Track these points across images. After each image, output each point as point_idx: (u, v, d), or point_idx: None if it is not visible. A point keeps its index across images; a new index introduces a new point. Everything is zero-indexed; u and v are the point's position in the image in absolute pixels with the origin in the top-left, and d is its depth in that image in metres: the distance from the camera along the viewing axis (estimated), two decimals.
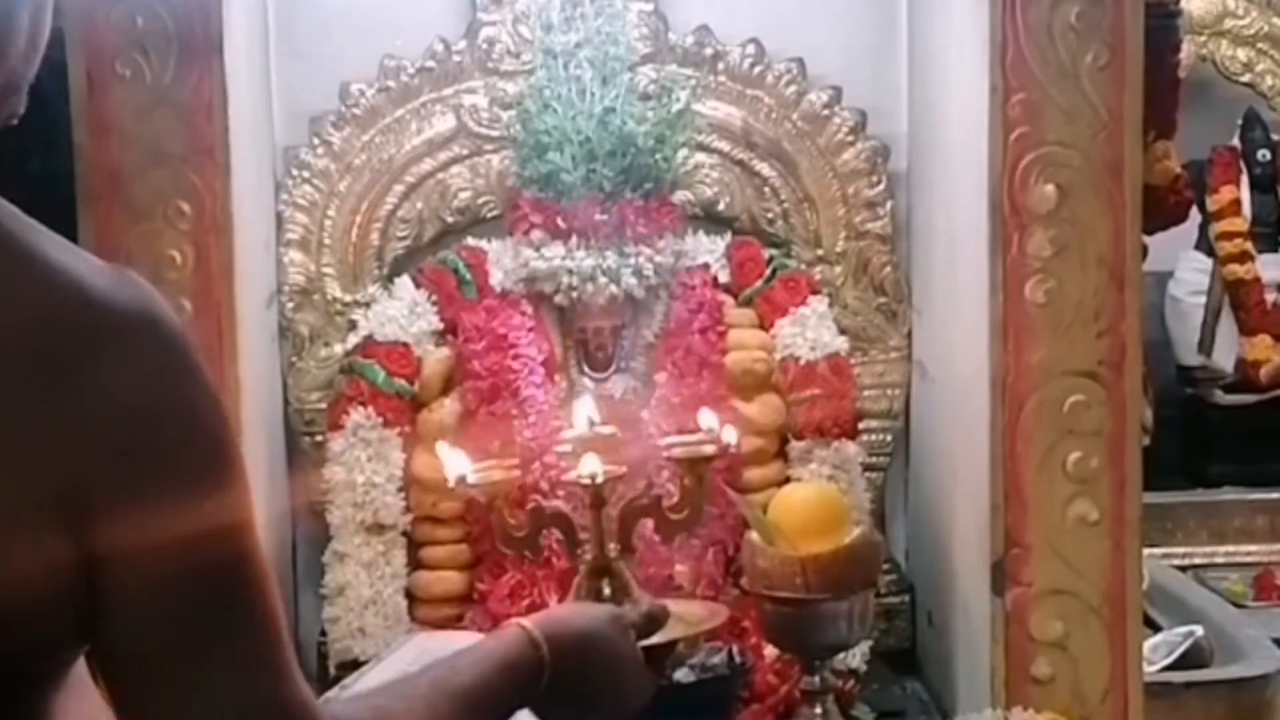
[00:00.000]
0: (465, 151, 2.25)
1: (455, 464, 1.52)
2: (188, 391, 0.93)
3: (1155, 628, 2.51)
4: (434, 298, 2.18)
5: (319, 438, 2.17)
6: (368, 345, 2.15)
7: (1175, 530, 3.60)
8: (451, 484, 1.46)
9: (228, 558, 0.94)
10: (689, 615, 1.37)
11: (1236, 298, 3.89)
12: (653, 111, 2.17)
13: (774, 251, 2.25)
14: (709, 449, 1.40)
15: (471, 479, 1.47)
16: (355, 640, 2.07)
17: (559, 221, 2.13)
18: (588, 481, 1.43)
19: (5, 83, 0.97)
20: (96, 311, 0.90)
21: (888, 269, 2.28)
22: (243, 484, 0.95)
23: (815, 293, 2.21)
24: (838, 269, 2.27)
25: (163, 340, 0.92)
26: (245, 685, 0.94)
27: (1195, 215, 3.62)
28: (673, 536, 1.30)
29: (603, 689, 1.24)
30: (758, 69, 2.26)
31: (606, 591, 1.32)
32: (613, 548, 1.60)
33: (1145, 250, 1.98)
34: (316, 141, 2.22)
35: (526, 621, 1.19)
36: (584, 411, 1.58)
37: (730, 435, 1.38)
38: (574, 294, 2.14)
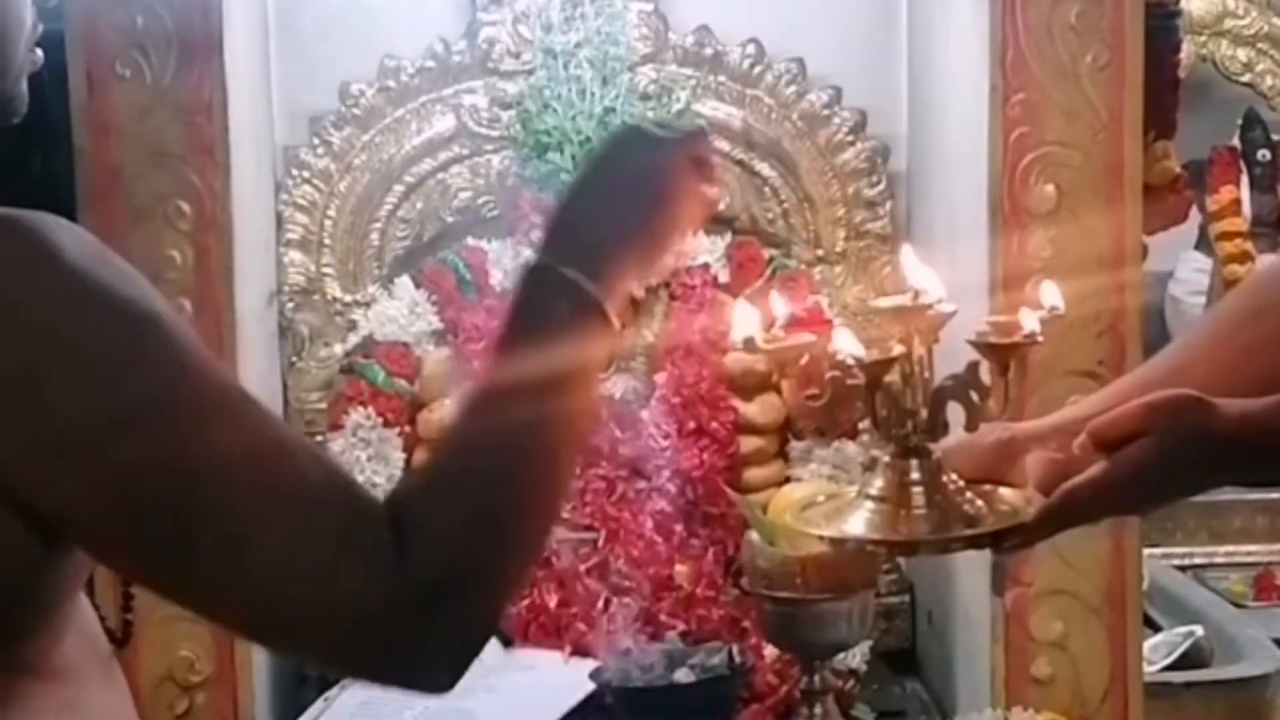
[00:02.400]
0: (465, 151, 2.25)
1: (745, 322, 1.32)
2: (46, 285, 0.89)
3: (1155, 628, 2.51)
4: (434, 298, 2.18)
5: (319, 438, 2.17)
6: (368, 345, 2.15)
7: (1175, 530, 3.59)
8: (739, 345, 1.28)
9: (168, 444, 0.90)
10: (1009, 500, 1.21)
11: None
12: (653, 111, 2.17)
13: (774, 251, 2.25)
14: (1019, 335, 1.26)
15: (760, 342, 1.28)
16: None
17: None
18: (851, 361, 1.25)
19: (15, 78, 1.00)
20: None
21: (888, 269, 2.27)
22: (165, 364, 0.91)
23: (815, 293, 2.21)
24: (838, 269, 2.27)
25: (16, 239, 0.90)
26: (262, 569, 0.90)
27: (1195, 215, 3.61)
28: (977, 424, 1.20)
29: (608, 219, 1.05)
30: (758, 69, 2.26)
31: (915, 475, 1.19)
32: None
33: (1145, 250, 1.98)
34: (316, 141, 2.22)
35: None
36: (916, 268, 1.37)
37: (1032, 322, 1.25)
38: None
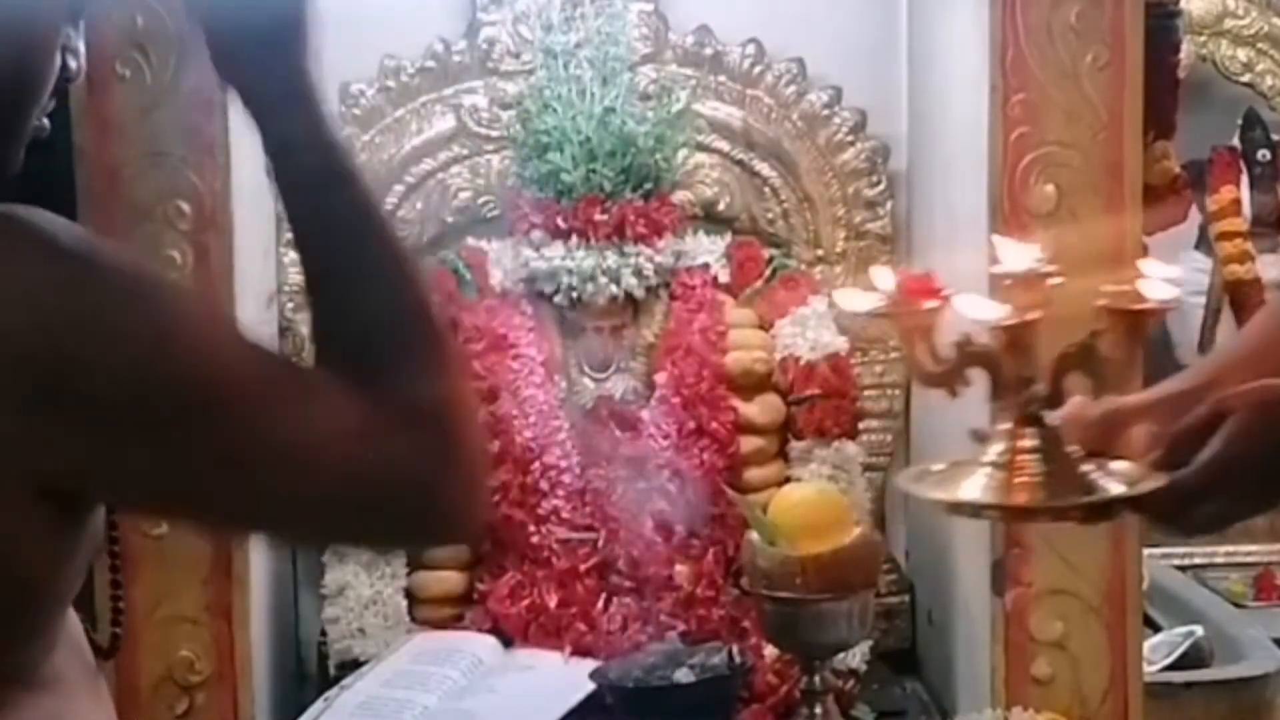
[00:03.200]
0: (465, 151, 2.25)
1: (1017, 255, 1.28)
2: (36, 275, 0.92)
3: (1155, 628, 2.51)
4: (434, 298, 2.17)
5: None
6: None
7: None
8: (1011, 278, 1.25)
9: (187, 380, 0.94)
10: (1121, 471, 1.19)
11: (1236, 298, 3.88)
12: (653, 111, 2.17)
13: (774, 251, 2.25)
14: (1146, 301, 1.23)
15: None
16: (355, 640, 2.07)
17: (559, 221, 2.13)
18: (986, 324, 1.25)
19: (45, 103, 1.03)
20: None
21: (888, 269, 2.27)
22: (159, 318, 0.95)
23: (815, 293, 2.21)
24: (838, 269, 2.27)
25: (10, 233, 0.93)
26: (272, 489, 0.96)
27: (1195, 215, 3.61)
28: (1101, 392, 1.19)
29: None
30: (758, 69, 2.26)
31: (1033, 443, 1.19)
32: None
33: (1145, 250, 1.98)
34: None
35: None
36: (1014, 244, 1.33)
37: (1161, 291, 1.22)
38: (574, 294, 2.14)
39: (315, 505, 0.98)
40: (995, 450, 1.18)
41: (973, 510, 1.22)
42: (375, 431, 0.96)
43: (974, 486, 1.18)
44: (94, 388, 0.91)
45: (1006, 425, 1.20)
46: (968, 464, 1.21)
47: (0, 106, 1.02)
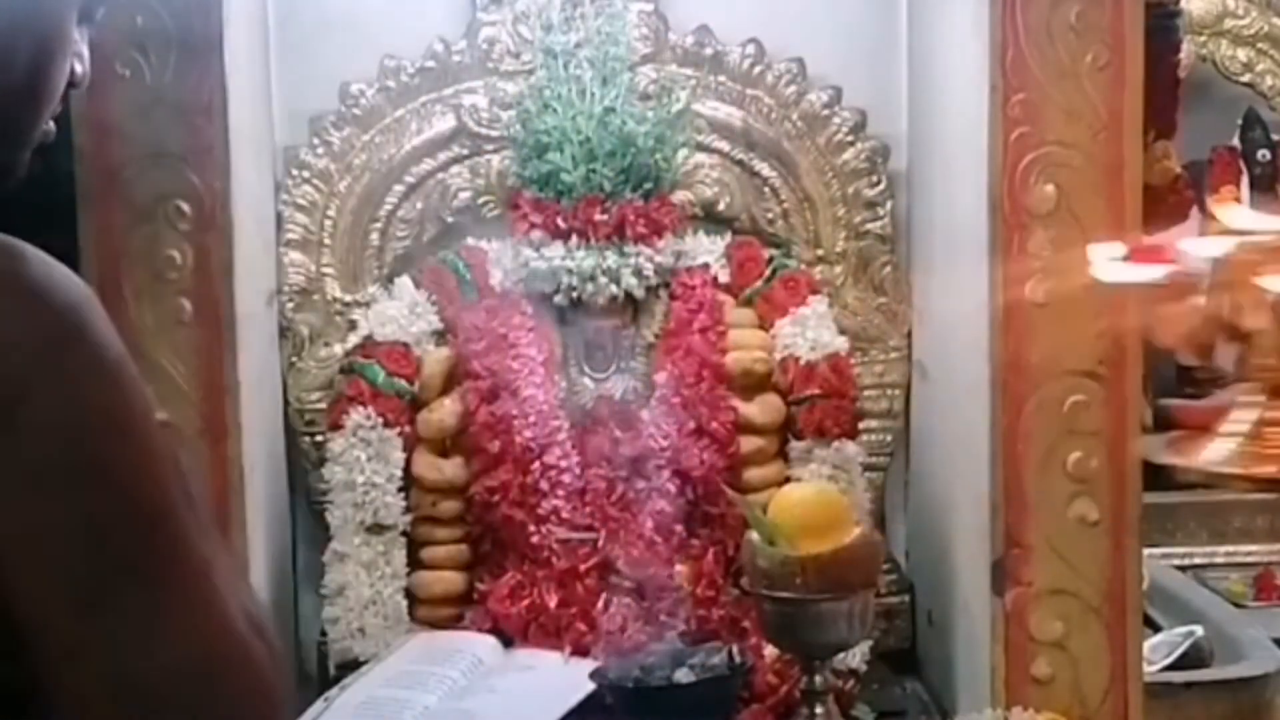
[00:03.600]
0: (465, 151, 2.25)
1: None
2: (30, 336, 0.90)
3: (1155, 628, 2.51)
4: (434, 298, 2.18)
5: (319, 438, 2.17)
6: (368, 345, 2.15)
7: (1175, 530, 3.59)
8: None
9: (107, 506, 0.91)
10: None
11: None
12: (653, 111, 2.17)
13: (774, 251, 2.25)
14: None
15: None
16: (355, 640, 2.07)
17: (559, 221, 2.14)
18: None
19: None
20: None
21: (888, 269, 2.28)
22: (118, 428, 0.92)
23: (815, 293, 2.21)
24: (838, 269, 2.27)
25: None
26: (153, 643, 0.92)
27: (1195, 215, 3.61)
28: None
29: None
30: (758, 69, 2.26)
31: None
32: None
33: None
34: (316, 141, 2.22)
35: None
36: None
37: None
38: (574, 294, 2.14)
39: (155, 661, 0.93)
40: (1241, 421, 1.18)
41: (1216, 478, 1.21)
42: (232, 646, 0.94)
43: (1220, 455, 1.17)
44: (20, 449, 0.89)
45: (1257, 397, 1.19)
46: (1213, 433, 1.21)
47: (15, 112, 1.01)
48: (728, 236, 2.25)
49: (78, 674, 0.92)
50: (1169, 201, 2.88)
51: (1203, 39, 3.86)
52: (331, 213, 2.23)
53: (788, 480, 2.11)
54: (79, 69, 1.06)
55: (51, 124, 1.07)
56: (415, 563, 2.14)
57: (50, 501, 0.90)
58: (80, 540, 0.90)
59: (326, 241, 2.23)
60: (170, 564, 0.93)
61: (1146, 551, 2.02)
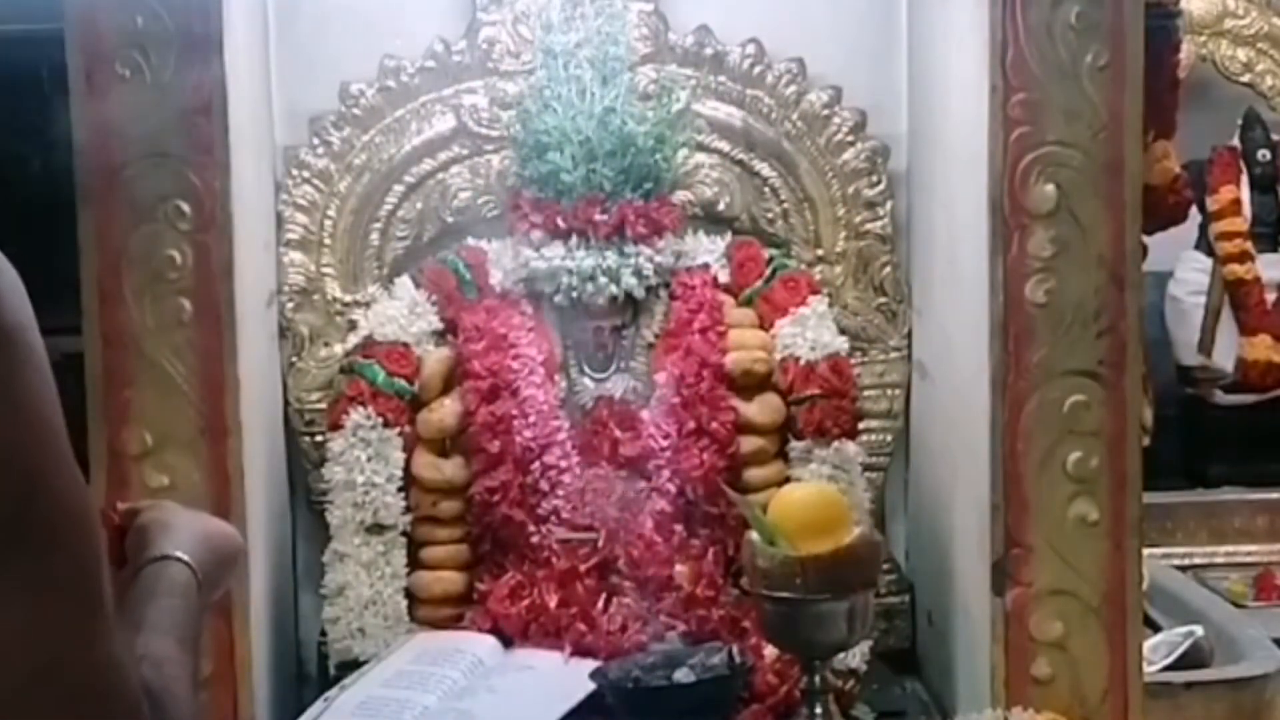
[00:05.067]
0: (465, 151, 2.25)
1: None
2: None
3: (1155, 628, 2.51)
4: (434, 298, 2.18)
5: (319, 438, 2.17)
6: (368, 345, 2.15)
7: (1175, 530, 3.60)
8: None
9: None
10: None
11: (1236, 298, 3.88)
12: (653, 111, 2.17)
13: (774, 251, 2.25)
14: None
15: None
16: (355, 640, 2.07)
17: (559, 221, 2.14)
18: None
19: None
20: None
21: (888, 269, 2.28)
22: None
23: (815, 293, 2.21)
24: (838, 269, 2.27)
25: None
26: (40, 645, 0.91)
27: (1195, 215, 3.62)
28: None
29: None
30: (758, 69, 2.26)
31: None
32: None
33: (1145, 250, 1.98)
34: (316, 141, 2.22)
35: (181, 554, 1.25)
36: None
37: None
38: (574, 294, 2.14)
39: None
40: None
41: None
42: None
43: None
44: None
45: None
46: None
47: None
48: (728, 236, 2.25)
49: None
50: (1169, 201, 2.89)
51: (1203, 39, 3.87)
52: (331, 213, 2.23)
53: (788, 480, 2.11)
54: None
55: None
56: (415, 563, 2.14)
57: None
58: None
59: (326, 241, 2.23)
60: (55, 541, 0.92)
61: (1146, 551, 2.02)
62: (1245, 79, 3.93)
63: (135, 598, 1.18)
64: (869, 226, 2.27)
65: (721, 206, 2.27)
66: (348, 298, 2.23)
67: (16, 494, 0.91)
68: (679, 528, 2.09)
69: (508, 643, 2.06)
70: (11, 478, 0.90)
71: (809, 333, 2.16)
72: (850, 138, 2.27)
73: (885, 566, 2.07)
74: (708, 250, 2.22)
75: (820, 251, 2.27)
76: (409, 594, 2.12)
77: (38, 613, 0.91)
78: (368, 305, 2.20)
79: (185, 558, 1.24)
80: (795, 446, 2.15)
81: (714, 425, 2.10)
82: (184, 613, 1.19)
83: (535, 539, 2.09)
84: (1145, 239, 1.97)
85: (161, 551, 1.24)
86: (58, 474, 0.93)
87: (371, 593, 2.09)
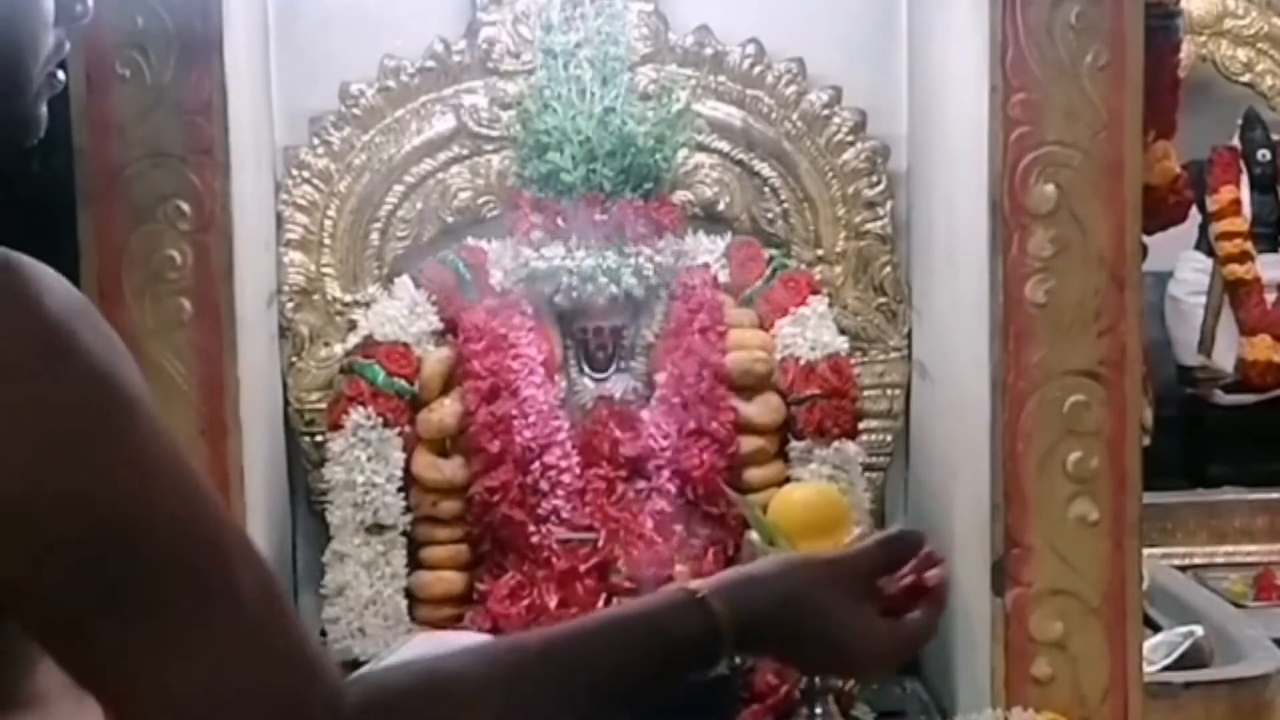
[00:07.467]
0: (465, 151, 2.25)
1: None
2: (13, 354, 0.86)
3: (1155, 628, 2.51)
4: (434, 298, 2.18)
5: (319, 438, 2.17)
6: (368, 345, 2.15)
7: (1175, 530, 3.60)
8: None
9: (100, 524, 0.87)
10: None
11: (1236, 298, 3.89)
12: (653, 111, 2.17)
13: (774, 251, 2.25)
14: None
15: None
16: (355, 640, 2.07)
17: (559, 221, 2.14)
18: None
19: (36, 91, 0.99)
20: None
21: (888, 269, 2.28)
22: (107, 445, 0.88)
23: (815, 293, 2.21)
24: (838, 269, 2.27)
25: None
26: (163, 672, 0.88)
27: (1195, 215, 3.61)
28: None
29: (819, 655, 1.11)
30: (758, 69, 2.26)
31: None
32: None
33: (1145, 250, 1.98)
34: (316, 141, 2.22)
35: (700, 586, 1.07)
36: None
37: None
38: (574, 294, 2.14)
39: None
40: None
41: None
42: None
43: None
44: (12, 471, 0.86)
45: None
46: None
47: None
48: (728, 236, 2.25)
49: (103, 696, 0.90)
50: (1169, 201, 2.89)
51: (1203, 39, 3.87)
52: (331, 213, 2.23)
53: (788, 480, 2.11)
54: (79, 5, 1.02)
55: (60, 74, 1.03)
56: (415, 563, 2.14)
57: (44, 523, 0.86)
58: (74, 564, 0.86)
59: (326, 241, 2.23)
60: (178, 578, 0.89)
61: (1146, 551, 2.02)
62: (1245, 79, 3.93)
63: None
64: (869, 226, 2.27)
65: (721, 206, 2.27)
66: (348, 298, 2.23)
67: (115, 555, 0.87)
68: (679, 528, 2.09)
69: None
70: (104, 539, 0.87)
71: (809, 333, 2.16)
72: (850, 138, 2.27)
73: None
74: (708, 250, 2.23)
75: (820, 251, 2.27)
76: (409, 594, 2.12)
77: (194, 661, 0.88)
78: (368, 305, 2.21)
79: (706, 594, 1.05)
80: (795, 446, 2.15)
81: (714, 425, 2.10)
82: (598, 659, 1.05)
83: (535, 539, 2.09)
84: (1145, 239, 1.97)
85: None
86: (150, 505, 0.88)
87: (371, 593, 2.09)
